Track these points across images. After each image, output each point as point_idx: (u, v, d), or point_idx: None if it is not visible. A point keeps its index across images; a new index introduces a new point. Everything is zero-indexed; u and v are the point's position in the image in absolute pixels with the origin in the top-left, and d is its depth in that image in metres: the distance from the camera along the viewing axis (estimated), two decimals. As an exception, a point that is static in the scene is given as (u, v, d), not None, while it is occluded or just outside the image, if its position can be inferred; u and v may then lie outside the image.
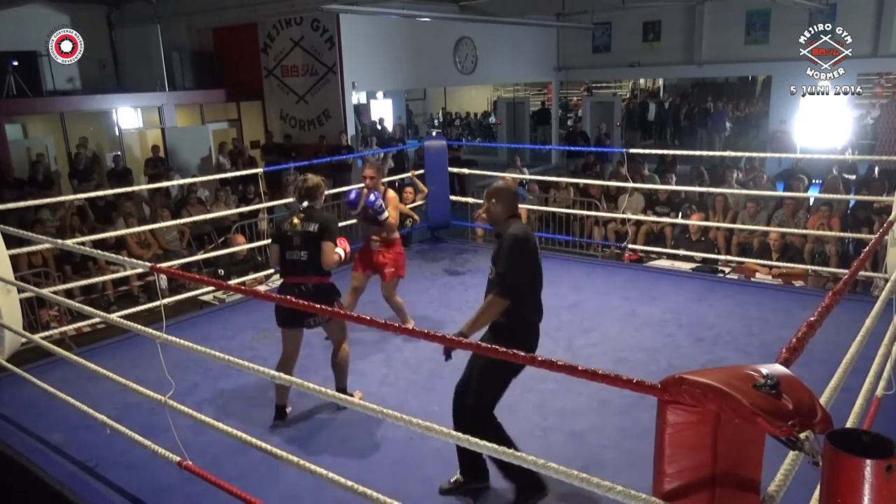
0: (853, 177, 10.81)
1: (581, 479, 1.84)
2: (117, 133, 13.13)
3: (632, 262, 7.93)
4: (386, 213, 4.85)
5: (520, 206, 8.37)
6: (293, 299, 3.28)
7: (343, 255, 4.02)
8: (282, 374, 2.68)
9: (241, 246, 7.42)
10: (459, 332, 3.02)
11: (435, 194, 7.71)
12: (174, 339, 3.09)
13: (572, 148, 14.94)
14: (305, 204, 3.98)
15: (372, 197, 4.80)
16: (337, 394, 2.64)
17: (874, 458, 1.32)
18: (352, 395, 4.06)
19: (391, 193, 5.08)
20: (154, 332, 3.23)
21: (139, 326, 3.43)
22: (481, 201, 8.76)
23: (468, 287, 6.39)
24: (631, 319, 5.48)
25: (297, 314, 3.84)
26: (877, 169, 10.98)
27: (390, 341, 5.02)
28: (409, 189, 8.18)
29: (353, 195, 5.07)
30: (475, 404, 3.16)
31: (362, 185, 5.06)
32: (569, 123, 20.49)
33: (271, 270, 6.94)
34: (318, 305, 2.90)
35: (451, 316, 5.66)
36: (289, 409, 4.08)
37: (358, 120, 13.99)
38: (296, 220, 3.93)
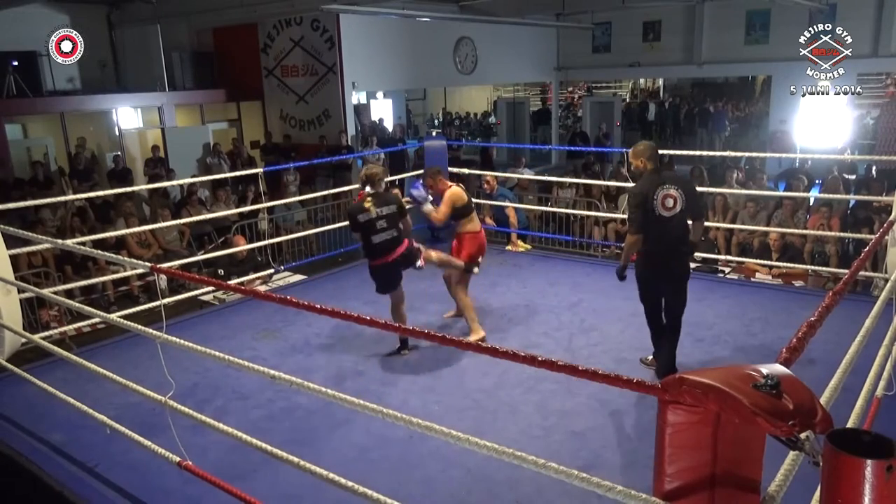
0: (853, 177, 10.81)
1: (581, 479, 1.84)
2: (117, 133, 13.13)
3: (632, 262, 7.91)
4: (428, 206, 5.10)
5: (515, 205, 8.34)
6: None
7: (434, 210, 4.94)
8: (282, 375, 2.68)
9: (242, 247, 7.42)
10: (620, 266, 4.52)
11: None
12: (174, 339, 3.09)
13: (572, 148, 14.94)
14: (369, 189, 4.47)
15: (413, 191, 5.09)
16: (337, 394, 2.63)
17: (874, 458, 1.32)
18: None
19: (451, 191, 5.23)
20: (154, 332, 3.22)
21: (139, 326, 3.43)
22: (483, 201, 8.74)
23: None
24: (631, 319, 5.47)
25: (407, 266, 4.68)
26: (874, 168, 10.98)
27: (391, 340, 5.01)
28: (395, 192, 8.20)
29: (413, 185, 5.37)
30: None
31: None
32: (569, 123, 20.50)
33: (271, 270, 6.94)
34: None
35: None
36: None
37: (358, 120, 13.98)
38: (367, 205, 4.39)
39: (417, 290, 6.32)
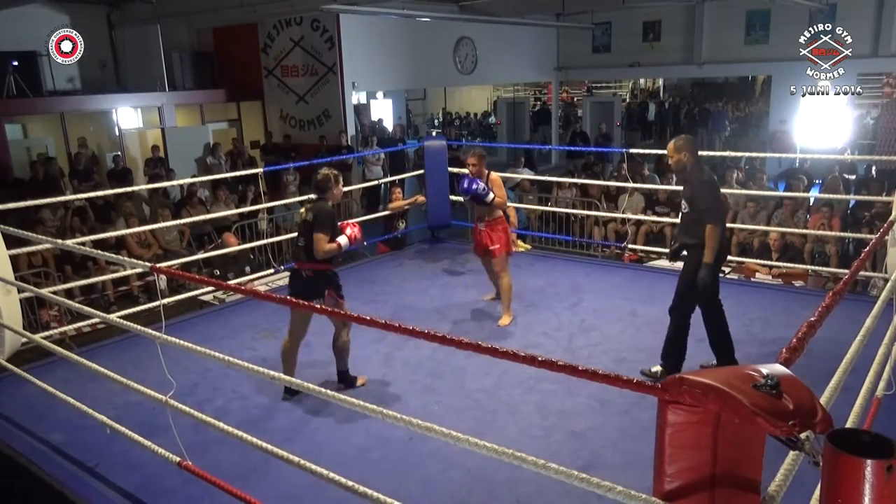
0: (853, 177, 10.82)
1: (581, 479, 1.84)
2: (117, 133, 13.13)
3: (632, 262, 7.93)
4: (491, 195, 5.25)
5: (515, 205, 8.32)
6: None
7: (345, 242, 4.19)
8: (281, 375, 2.69)
9: (239, 246, 7.42)
10: (706, 262, 4.16)
11: (435, 195, 7.69)
12: (174, 339, 3.09)
13: (573, 148, 14.94)
14: (314, 196, 4.29)
15: (474, 186, 5.22)
16: (336, 394, 2.64)
17: (874, 458, 1.32)
18: (355, 379, 4.40)
19: (494, 175, 5.42)
20: (154, 332, 3.22)
21: (139, 326, 3.43)
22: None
23: (468, 287, 6.39)
24: (631, 319, 5.48)
25: (301, 294, 4.02)
26: (874, 168, 10.98)
27: (390, 340, 5.02)
28: (398, 190, 8.18)
29: (465, 183, 5.35)
30: (674, 309, 4.48)
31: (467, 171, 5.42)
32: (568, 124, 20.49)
33: (271, 270, 6.94)
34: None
35: (452, 315, 5.67)
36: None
37: (358, 120, 13.98)
38: (302, 211, 4.28)
39: (417, 289, 6.34)
